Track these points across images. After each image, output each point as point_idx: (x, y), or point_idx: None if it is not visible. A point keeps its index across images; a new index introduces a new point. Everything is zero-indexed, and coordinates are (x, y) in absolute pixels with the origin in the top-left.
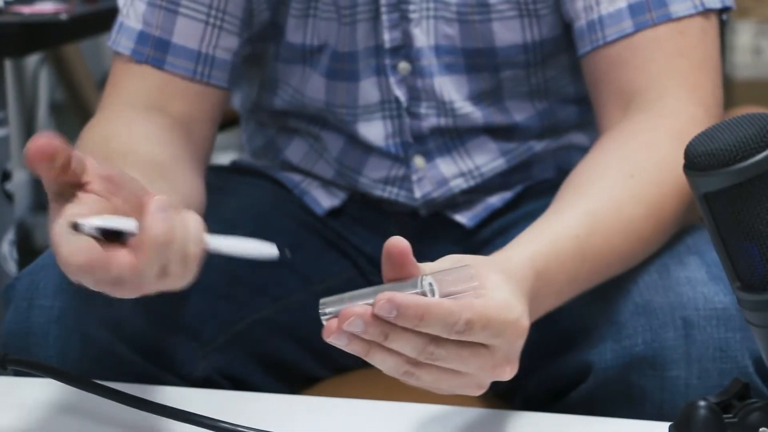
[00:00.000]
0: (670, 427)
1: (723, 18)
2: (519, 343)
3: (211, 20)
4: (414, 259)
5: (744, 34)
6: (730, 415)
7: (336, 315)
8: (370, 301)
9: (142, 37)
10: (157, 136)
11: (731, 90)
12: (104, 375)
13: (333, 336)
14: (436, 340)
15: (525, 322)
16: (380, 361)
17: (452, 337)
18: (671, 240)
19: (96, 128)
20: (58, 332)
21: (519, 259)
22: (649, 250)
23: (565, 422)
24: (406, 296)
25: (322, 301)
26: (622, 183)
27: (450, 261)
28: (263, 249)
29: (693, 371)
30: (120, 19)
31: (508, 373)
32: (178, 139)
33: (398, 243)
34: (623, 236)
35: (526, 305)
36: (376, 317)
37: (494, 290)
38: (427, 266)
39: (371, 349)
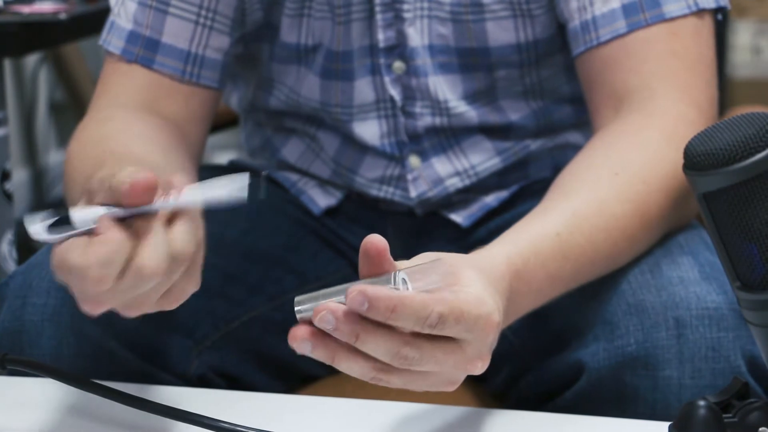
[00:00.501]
0: (670, 427)
1: (718, 18)
2: (491, 339)
3: (201, 20)
4: (391, 257)
5: (743, 34)
6: (730, 415)
7: (309, 315)
8: (343, 298)
9: (132, 37)
10: (150, 137)
11: (730, 89)
12: (98, 373)
13: (296, 342)
14: (409, 341)
15: (496, 318)
16: (347, 367)
17: (425, 331)
18: (664, 240)
19: (90, 129)
20: (51, 330)
21: (496, 258)
22: (636, 248)
23: (559, 421)
24: (377, 288)
25: (297, 299)
26: (607, 181)
27: (426, 258)
28: (234, 186)
29: (685, 371)
30: (111, 18)
31: (479, 368)
32: (171, 139)
33: (376, 241)
34: (606, 234)
35: (499, 302)
36: (348, 314)
37: (467, 285)
38: (403, 263)
39: (336, 355)
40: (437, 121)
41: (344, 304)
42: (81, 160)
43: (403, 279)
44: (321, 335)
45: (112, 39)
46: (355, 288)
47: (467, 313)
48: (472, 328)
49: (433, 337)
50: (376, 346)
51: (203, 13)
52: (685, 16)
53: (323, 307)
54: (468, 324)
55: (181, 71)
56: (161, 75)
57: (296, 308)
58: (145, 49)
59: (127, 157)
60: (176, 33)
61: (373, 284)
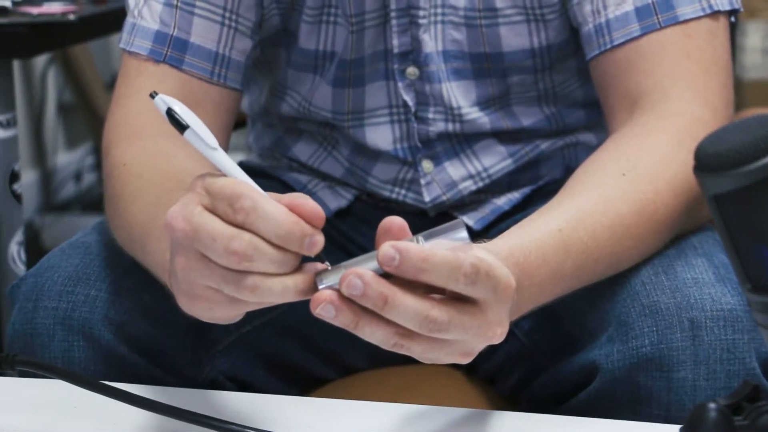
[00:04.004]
0: (681, 430)
1: (732, 20)
2: (508, 305)
3: (227, 21)
4: (411, 233)
5: (753, 35)
6: (741, 418)
7: (332, 287)
8: (368, 266)
9: (159, 37)
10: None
11: (740, 91)
12: (108, 377)
13: (320, 307)
14: (437, 305)
15: (513, 282)
16: (369, 333)
17: (458, 287)
18: (677, 241)
19: (146, 139)
20: (62, 334)
21: (498, 248)
22: (642, 249)
23: (571, 424)
24: (408, 243)
25: (317, 274)
26: (613, 181)
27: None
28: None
29: (700, 372)
30: (131, 20)
31: (499, 335)
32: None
33: (396, 219)
34: (610, 231)
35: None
36: (376, 279)
37: (483, 254)
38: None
39: (360, 320)
40: (450, 127)
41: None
42: (149, 171)
43: (423, 244)
44: (345, 300)
45: (134, 40)
46: (387, 243)
47: (494, 267)
48: (496, 286)
49: (459, 302)
50: (405, 309)
51: (227, 14)
52: (699, 18)
53: (351, 272)
54: (494, 281)
55: (209, 72)
56: (190, 76)
57: (318, 282)
58: (173, 49)
59: (190, 176)
60: (204, 34)
61: None
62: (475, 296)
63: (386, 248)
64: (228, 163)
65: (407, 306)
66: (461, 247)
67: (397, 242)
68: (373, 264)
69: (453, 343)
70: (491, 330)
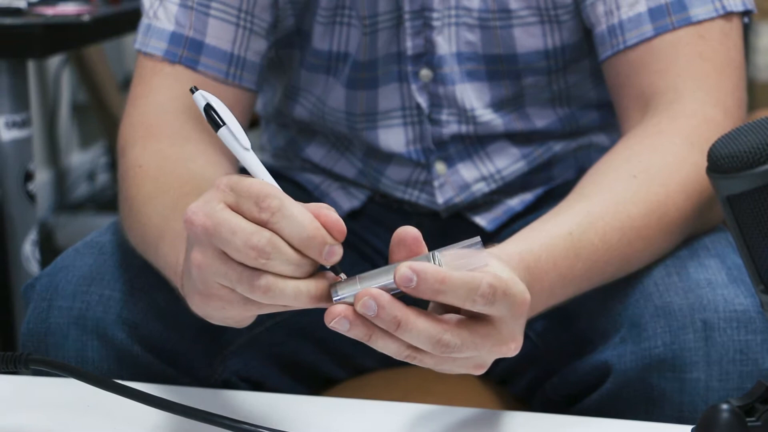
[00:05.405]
0: (693, 430)
1: (745, 21)
2: (523, 320)
3: (242, 22)
4: (425, 244)
5: (766, 36)
6: (753, 419)
7: (347, 299)
8: (384, 280)
9: (175, 38)
10: (219, 162)
11: (753, 92)
12: (122, 377)
13: (335, 320)
14: (450, 328)
15: (528, 296)
16: (383, 346)
17: (475, 306)
18: (690, 242)
19: (163, 143)
20: (76, 334)
21: (509, 253)
22: (653, 250)
23: (584, 424)
24: (425, 264)
25: (332, 285)
26: (624, 183)
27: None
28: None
29: (713, 373)
30: (147, 21)
31: (512, 350)
32: (228, 161)
33: (411, 230)
34: (621, 233)
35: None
36: (390, 302)
37: (497, 268)
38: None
39: (373, 334)
40: (463, 128)
41: (383, 288)
42: (165, 174)
43: (439, 259)
44: (359, 315)
45: (150, 41)
46: (404, 264)
47: (510, 286)
48: (512, 304)
49: (472, 324)
50: (418, 333)
51: (242, 15)
52: (712, 19)
53: (365, 293)
54: (510, 299)
55: (224, 73)
56: (204, 77)
57: (333, 294)
58: (188, 51)
59: (207, 182)
60: (219, 35)
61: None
62: (491, 314)
63: (403, 270)
64: (257, 165)
65: (420, 330)
66: (475, 256)
67: (414, 263)
68: (389, 279)
69: (466, 358)
70: (505, 346)
